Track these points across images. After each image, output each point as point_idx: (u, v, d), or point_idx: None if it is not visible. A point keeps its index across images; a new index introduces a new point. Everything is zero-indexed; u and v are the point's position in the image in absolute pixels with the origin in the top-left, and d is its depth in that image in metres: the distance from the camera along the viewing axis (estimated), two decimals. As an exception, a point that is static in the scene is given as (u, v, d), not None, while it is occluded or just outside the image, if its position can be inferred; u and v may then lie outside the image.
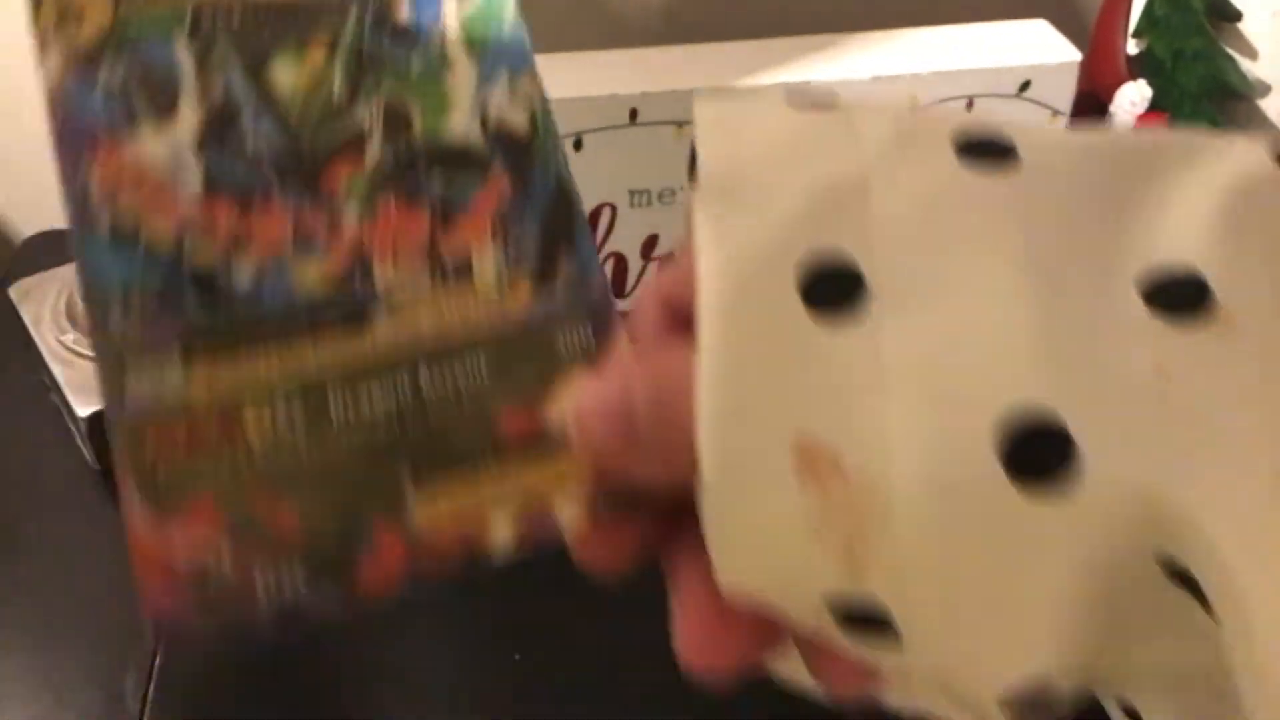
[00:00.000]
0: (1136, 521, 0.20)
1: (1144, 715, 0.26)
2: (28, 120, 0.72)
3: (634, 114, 0.56)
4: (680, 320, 0.24)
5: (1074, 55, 0.58)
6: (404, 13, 0.27)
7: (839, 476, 0.20)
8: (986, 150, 0.22)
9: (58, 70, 0.24)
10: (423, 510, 0.23)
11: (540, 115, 0.26)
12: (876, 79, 0.56)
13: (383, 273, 0.25)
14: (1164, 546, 0.20)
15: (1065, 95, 0.58)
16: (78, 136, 0.24)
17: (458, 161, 0.26)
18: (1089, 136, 0.24)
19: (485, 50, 0.27)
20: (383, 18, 0.27)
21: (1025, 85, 0.57)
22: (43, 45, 0.25)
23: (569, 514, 0.23)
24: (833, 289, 0.20)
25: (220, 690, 0.45)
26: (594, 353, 0.25)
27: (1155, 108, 0.57)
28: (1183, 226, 0.21)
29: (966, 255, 0.20)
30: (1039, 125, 0.23)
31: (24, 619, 0.48)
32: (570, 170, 0.26)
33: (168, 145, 0.24)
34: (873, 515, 0.20)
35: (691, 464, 0.20)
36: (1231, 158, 0.22)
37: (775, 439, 0.20)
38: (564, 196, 0.26)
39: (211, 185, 0.24)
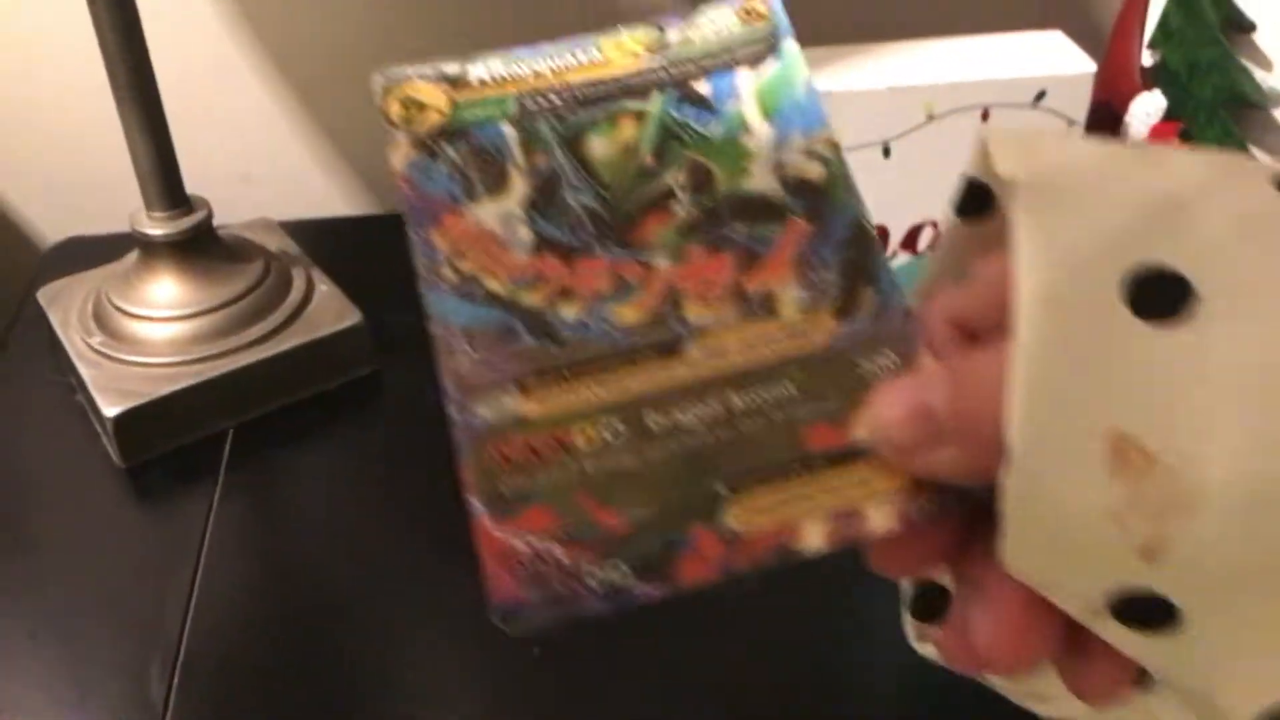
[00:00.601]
0: None
1: None
2: (56, 131, 0.73)
3: (653, 122, 0.56)
4: (968, 336, 0.26)
5: (1089, 66, 0.58)
6: (703, 88, 0.29)
7: (1152, 467, 0.20)
8: None
9: (405, 153, 0.28)
10: (737, 515, 0.25)
11: (835, 164, 0.29)
12: (893, 89, 0.57)
13: (692, 309, 0.27)
14: None
15: (1080, 106, 0.58)
16: (425, 208, 0.28)
17: (758, 211, 0.28)
18: None
19: (780, 115, 0.29)
20: (685, 93, 0.29)
21: (1040, 95, 0.58)
22: (391, 133, 0.28)
23: (878, 517, 0.25)
24: (1158, 294, 0.21)
25: (244, 680, 0.46)
26: (897, 373, 0.26)
27: (1170, 118, 0.57)
28: None
29: None
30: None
31: (51, 612, 0.49)
32: (868, 211, 0.28)
33: (501, 213, 0.28)
34: (1180, 506, 0.20)
35: (992, 458, 0.22)
36: None
37: (1088, 427, 0.21)
38: (861, 235, 0.28)
39: (540, 244, 0.27)
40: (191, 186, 0.58)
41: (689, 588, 0.24)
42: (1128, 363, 0.21)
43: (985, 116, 0.58)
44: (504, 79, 0.29)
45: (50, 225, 0.77)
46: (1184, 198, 0.22)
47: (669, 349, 0.26)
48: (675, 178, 0.28)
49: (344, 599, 0.50)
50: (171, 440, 0.56)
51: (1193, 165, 0.23)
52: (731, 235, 0.28)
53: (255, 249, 0.62)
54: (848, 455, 0.25)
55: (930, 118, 0.58)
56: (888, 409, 0.25)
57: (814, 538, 0.25)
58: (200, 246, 0.58)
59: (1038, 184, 0.23)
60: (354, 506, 0.54)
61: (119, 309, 0.58)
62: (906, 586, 0.28)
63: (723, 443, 0.26)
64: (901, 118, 0.58)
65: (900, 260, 0.62)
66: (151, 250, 0.58)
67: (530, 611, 0.24)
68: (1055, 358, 0.21)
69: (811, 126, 0.29)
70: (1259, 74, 0.54)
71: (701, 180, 0.28)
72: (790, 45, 0.30)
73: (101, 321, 0.58)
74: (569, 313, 0.27)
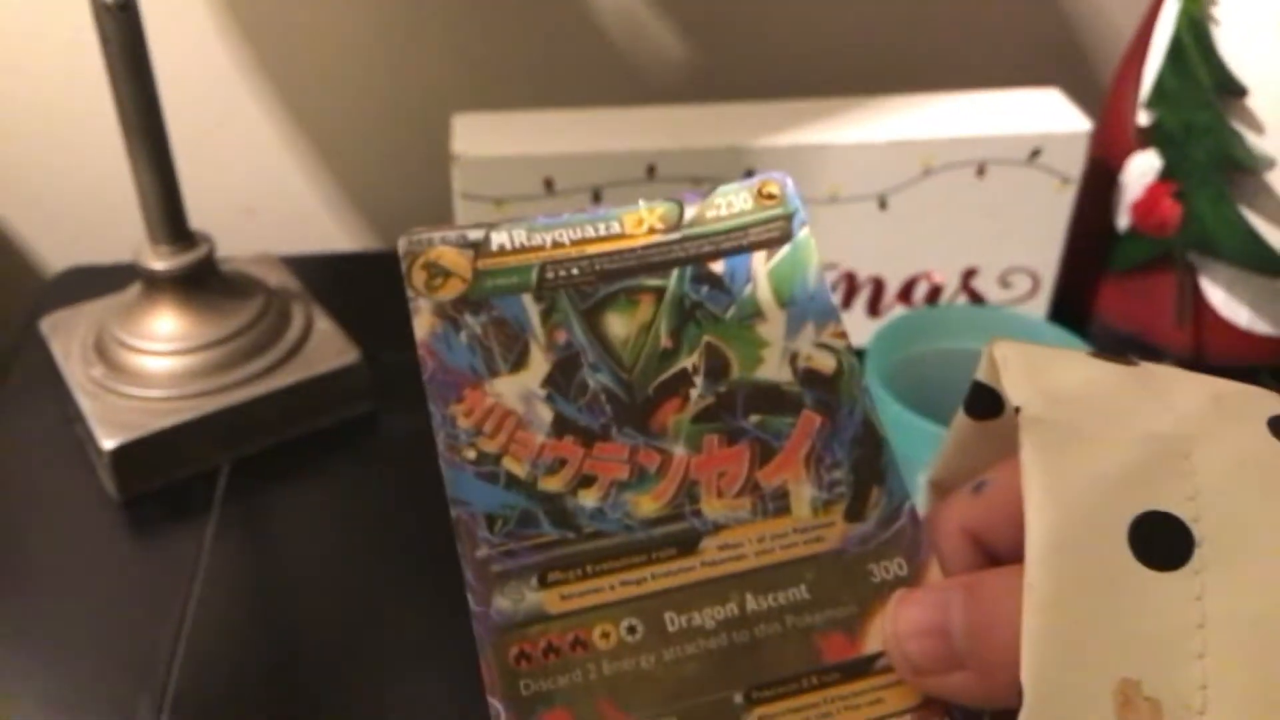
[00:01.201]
0: None
1: None
2: (62, 156, 0.74)
3: (651, 170, 0.57)
4: (982, 550, 0.27)
5: (1085, 124, 0.59)
6: (718, 267, 0.30)
7: (1158, 715, 0.21)
8: None
9: (427, 322, 0.28)
10: None
11: (845, 359, 0.29)
12: (890, 142, 0.58)
13: (708, 503, 0.27)
14: None
15: (1076, 164, 0.59)
16: (447, 381, 0.28)
17: (772, 401, 0.28)
18: None
19: (793, 303, 0.30)
20: (700, 272, 0.30)
21: (1036, 153, 0.59)
22: (415, 300, 0.29)
23: None
24: (1161, 539, 0.22)
25: (235, 715, 0.46)
26: (907, 582, 0.27)
27: (1166, 178, 0.58)
28: None
29: None
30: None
31: (43, 644, 0.49)
32: (877, 411, 0.29)
33: (522, 391, 0.28)
34: None
35: (1006, 683, 0.22)
36: None
37: (1100, 680, 0.21)
38: (871, 433, 0.28)
39: (559, 425, 0.27)
40: (195, 217, 0.59)
41: None
42: (1135, 610, 0.22)
43: (981, 171, 0.59)
44: (525, 247, 0.29)
45: (55, 253, 0.77)
46: (1185, 443, 0.23)
47: (686, 545, 0.27)
48: (691, 362, 0.29)
49: (337, 637, 0.50)
50: (168, 474, 0.56)
51: (1196, 400, 0.24)
52: (746, 426, 0.28)
53: (256, 285, 0.62)
54: (861, 667, 0.26)
55: (926, 171, 0.59)
56: (904, 626, 0.25)
57: None
58: (202, 281, 0.59)
59: (1045, 417, 0.24)
60: (349, 544, 0.55)
61: (120, 341, 0.58)
62: None
63: (739, 647, 0.26)
64: (898, 171, 0.59)
65: (896, 311, 0.62)
66: (154, 284, 0.58)
67: None
68: (1067, 607, 0.22)
69: (824, 317, 0.29)
70: (1251, 138, 0.55)
71: (717, 366, 0.29)
72: (803, 232, 0.30)
73: (102, 353, 0.59)
74: (588, 500, 0.27)
